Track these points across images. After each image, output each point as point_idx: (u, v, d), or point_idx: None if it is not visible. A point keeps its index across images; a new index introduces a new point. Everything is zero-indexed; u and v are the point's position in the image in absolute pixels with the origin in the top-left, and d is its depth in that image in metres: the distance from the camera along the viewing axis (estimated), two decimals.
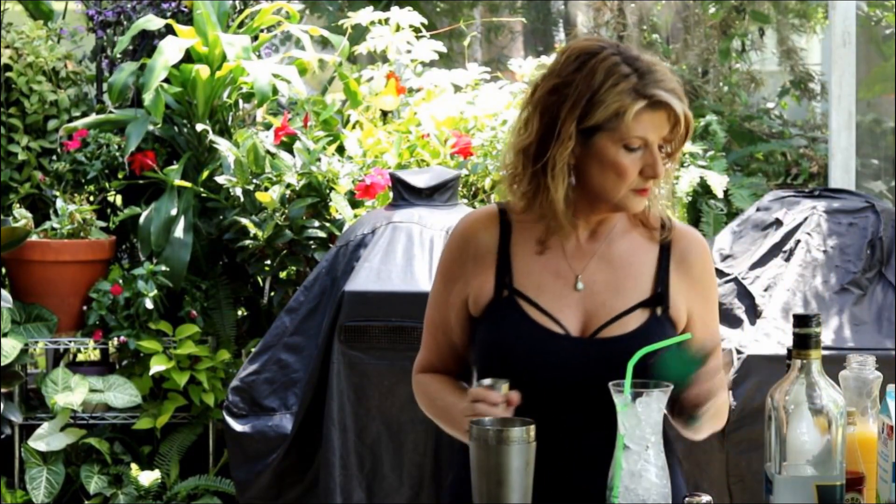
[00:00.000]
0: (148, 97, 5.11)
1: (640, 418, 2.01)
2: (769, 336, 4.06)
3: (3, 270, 5.38)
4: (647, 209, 2.39)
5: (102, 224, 5.27)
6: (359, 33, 5.82)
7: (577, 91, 2.28)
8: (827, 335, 4.02)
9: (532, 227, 2.37)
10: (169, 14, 5.47)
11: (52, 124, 5.45)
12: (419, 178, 4.52)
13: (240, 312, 5.46)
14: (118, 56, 5.57)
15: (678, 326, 2.36)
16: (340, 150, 5.24)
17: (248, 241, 5.01)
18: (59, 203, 5.21)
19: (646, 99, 2.25)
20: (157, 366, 5.03)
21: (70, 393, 5.00)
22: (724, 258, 4.38)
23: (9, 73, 5.40)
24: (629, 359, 2.19)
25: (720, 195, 5.28)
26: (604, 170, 2.29)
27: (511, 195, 2.38)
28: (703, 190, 5.34)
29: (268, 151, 5.10)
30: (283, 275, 5.16)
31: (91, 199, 5.35)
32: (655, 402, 2.02)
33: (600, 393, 2.16)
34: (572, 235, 2.37)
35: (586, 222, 2.38)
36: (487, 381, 2.21)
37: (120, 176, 5.33)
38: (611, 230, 2.39)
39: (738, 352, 3.98)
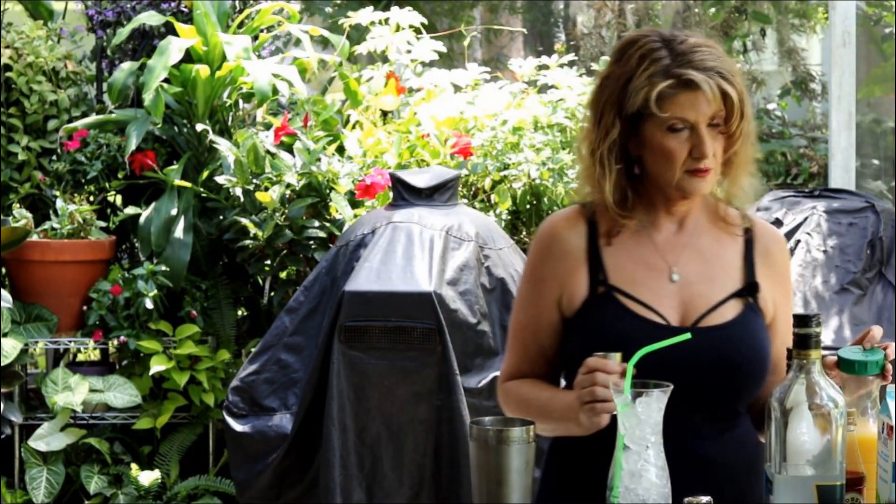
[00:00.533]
0: (148, 97, 5.11)
1: (640, 418, 2.01)
2: None
3: (3, 270, 5.38)
4: (719, 204, 2.41)
5: (102, 224, 5.26)
6: (359, 33, 5.82)
7: (615, 80, 2.33)
8: (827, 335, 4.02)
9: (618, 222, 2.39)
10: (169, 14, 5.47)
11: (52, 124, 5.45)
12: (419, 178, 4.52)
13: (240, 312, 5.46)
14: (115, 51, 5.57)
15: (766, 317, 2.39)
16: (340, 150, 5.24)
17: (248, 241, 5.01)
18: (59, 203, 5.21)
19: (672, 78, 2.27)
20: (157, 366, 5.03)
21: (70, 393, 5.00)
22: None
23: (9, 73, 5.40)
24: (732, 347, 2.28)
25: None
26: (654, 155, 2.33)
27: (579, 193, 2.43)
28: None
29: (268, 151, 5.10)
30: (283, 275, 5.16)
31: (91, 199, 5.34)
32: (655, 402, 2.02)
33: (706, 382, 2.24)
34: (662, 228, 2.39)
35: (671, 214, 2.40)
36: (600, 354, 2.18)
37: (120, 176, 5.33)
38: (696, 223, 2.41)
39: None
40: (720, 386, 2.31)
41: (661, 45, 2.30)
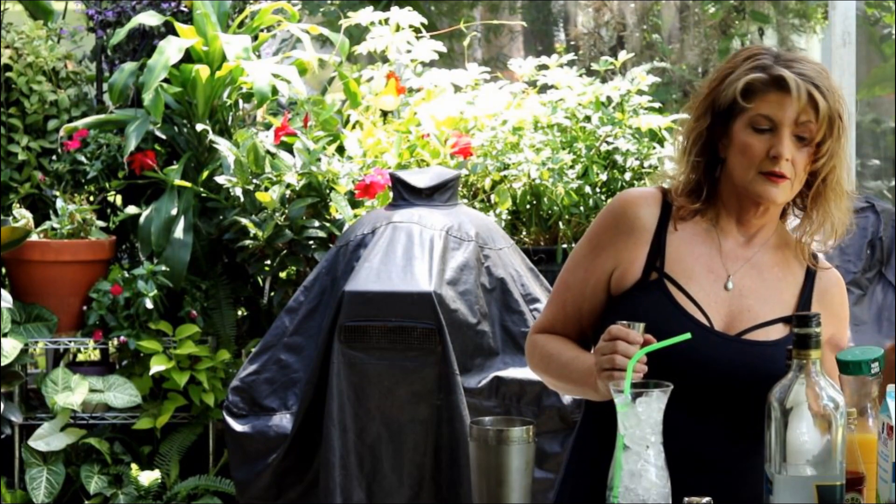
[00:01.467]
0: (148, 97, 5.11)
1: (640, 418, 2.01)
2: None
3: (3, 270, 5.38)
4: (802, 239, 2.41)
5: (102, 224, 5.26)
6: (359, 33, 5.82)
7: (717, 74, 2.38)
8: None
9: (692, 217, 2.40)
10: (169, 14, 5.47)
11: (52, 124, 5.45)
12: (419, 178, 4.52)
13: (240, 312, 5.46)
14: (115, 51, 5.57)
15: None
16: (340, 150, 5.24)
17: (248, 241, 5.01)
18: (59, 203, 5.21)
19: (767, 75, 2.30)
20: (157, 366, 5.03)
21: (70, 393, 5.00)
22: None
23: (9, 73, 5.40)
24: (770, 365, 2.25)
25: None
26: (735, 151, 2.34)
27: (662, 177, 2.47)
28: None
29: (268, 151, 5.09)
30: (283, 275, 5.16)
31: (91, 199, 5.34)
32: (655, 402, 2.02)
33: (737, 393, 2.25)
34: (730, 237, 2.40)
35: (743, 226, 2.40)
36: (624, 323, 2.18)
37: (120, 176, 5.33)
38: (764, 242, 2.42)
39: None
40: (748, 400, 2.29)
41: (769, 54, 2.35)
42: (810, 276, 2.44)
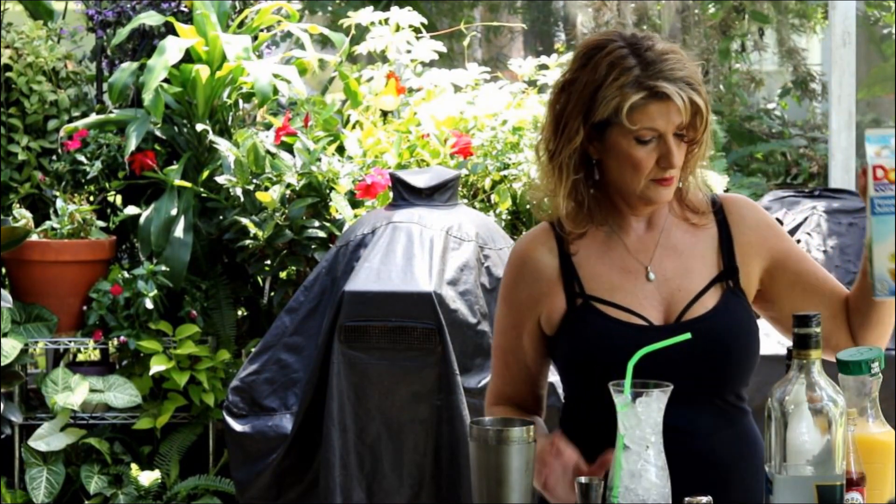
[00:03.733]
0: (148, 97, 5.11)
1: (640, 418, 2.01)
2: (769, 336, 4.05)
3: (3, 270, 5.38)
4: (686, 196, 2.41)
5: (102, 224, 5.27)
6: (359, 33, 5.82)
7: (581, 87, 2.30)
8: None
9: (587, 232, 2.38)
10: (169, 14, 5.48)
11: (52, 124, 5.45)
12: (419, 178, 4.52)
13: (240, 312, 5.46)
14: (115, 51, 5.57)
15: (749, 296, 2.39)
16: (340, 150, 5.24)
17: (248, 241, 5.01)
18: (59, 203, 5.21)
19: (645, 90, 2.26)
20: (157, 366, 5.03)
21: (70, 393, 5.00)
22: None
23: (9, 73, 5.40)
24: (717, 336, 2.28)
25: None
26: (620, 164, 2.31)
27: (535, 199, 2.43)
28: None
29: (268, 151, 5.10)
30: (283, 275, 5.16)
31: (91, 199, 5.34)
32: (655, 402, 2.02)
33: (698, 374, 2.26)
34: (630, 230, 2.39)
35: (638, 216, 2.39)
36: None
37: (120, 176, 5.33)
38: (664, 219, 2.41)
39: None
40: (712, 376, 2.31)
41: (628, 52, 2.28)
42: (722, 222, 2.42)
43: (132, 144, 5.18)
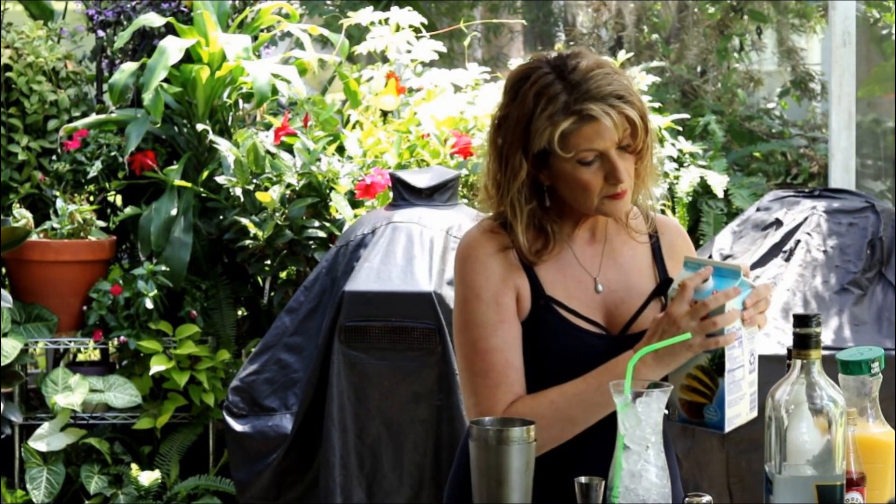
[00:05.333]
0: (148, 97, 5.11)
1: (640, 418, 2.01)
2: (769, 336, 4.06)
3: (3, 270, 5.38)
4: (629, 216, 2.42)
5: (102, 224, 5.27)
6: (359, 33, 5.82)
7: (514, 122, 2.30)
8: (827, 335, 4.02)
9: (546, 248, 2.38)
10: (168, 14, 5.48)
11: (52, 124, 5.45)
12: (419, 178, 4.52)
13: (240, 312, 5.47)
14: (117, 53, 5.57)
15: None
16: (340, 150, 5.25)
17: (248, 241, 5.01)
18: (59, 203, 5.21)
19: (574, 115, 2.25)
20: (157, 366, 5.03)
21: (70, 393, 5.00)
22: (725, 258, 4.38)
23: (9, 73, 5.40)
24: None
25: (720, 195, 5.29)
26: (570, 188, 2.32)
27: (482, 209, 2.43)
28: (703, 190, 5.34)
29: (268, 151, 5.10)
30: (283, 275, 5.16)
31: (91, 199, 5.35)
32: (655, 402, 2.02)
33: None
34: (577, 240, 2.40)
35: (581, 227, 2.40)
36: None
37: (120, 176, 5.33)
38: (605, 229, 2.43)
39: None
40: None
41: (553, 77, 2.27)
42: (655, 240, 2.45)
43: (132, 144, 5.19)
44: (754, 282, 2.23)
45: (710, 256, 4.39)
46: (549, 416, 2.27)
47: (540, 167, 2.32)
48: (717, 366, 2.16)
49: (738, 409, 2.20)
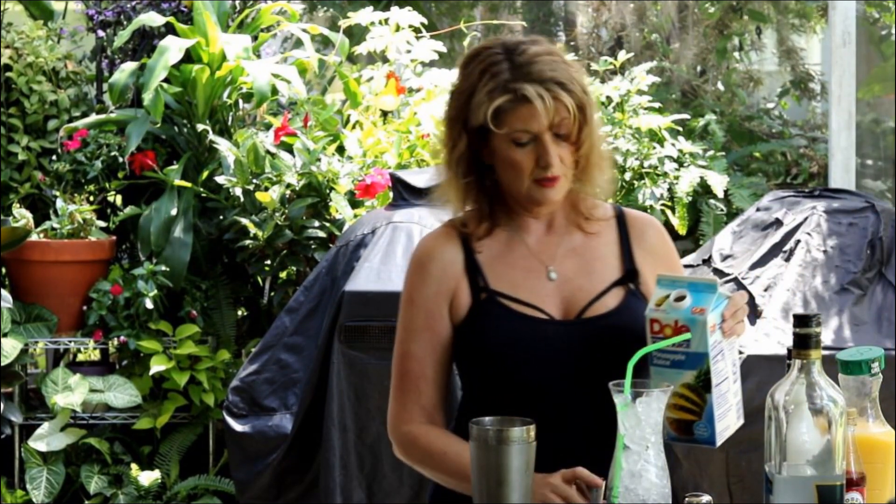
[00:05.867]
0: (148, 97, 5.11)
1: (640, 418, 2.01)
2: (769, 336, 4.06)
3: (3, 270, 5.38)
4: (580, 204, 2.42)
5: (102, 224, 5.27)
6: (359, 33, 5.82)
7: (459, 94, 2.36)
8: (827, 335, 4.02)
9: (489, 233, 2.41)
10: (168, 14, 5.48)
11: (52, 124, 5.45)
12: (419, 178, 4.52)
13: (240, 312, 5.46)
14: (117, 53, 5.57)
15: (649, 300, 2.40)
16: (340, 150, 5.25)
17: (248, 241, 5.01)
18: (59, 203, 5.21)
19: (509, 94, 2.29)
20: (157, 366, 5.03)
21: (70, 393, 5.00)
22: (724, 258, 4.38)
23: (9, 73, 5.40)
24: (616, 335, 2.29)
25: (720, 195, 5.28)
26: (503, 166, 2.35)
27: (440, 200, 2.45)
28: (703, 190, 5.34)
29: (268, 151, 5.10)
30: (283, 275, 5.16)
31: (91, 199, 5.35)
32: (655, 402, 2.02)
33: (597, 372, 2.23)
34: (531, 231, 2.42)
35: (536, 218, 2.42)
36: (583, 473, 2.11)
37: (120, 176, 5.33)
38: (564, 221, 2.44)
39: (739, 352, 3.97)
40: (612, 372, 2.28)
41: (502, 58, 2.32)
42: (623, 231, 2.45)
43: (132, 144, 5.19)
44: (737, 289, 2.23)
45: (710, 257, 4.39)
46: (429, 460, 2.36)
47: (481, 145, 2.35)
48: (703, 382, 2.15)
49: (727, 421, 2.20)
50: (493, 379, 2.34)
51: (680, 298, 2.16)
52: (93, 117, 5.43)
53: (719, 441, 2.19)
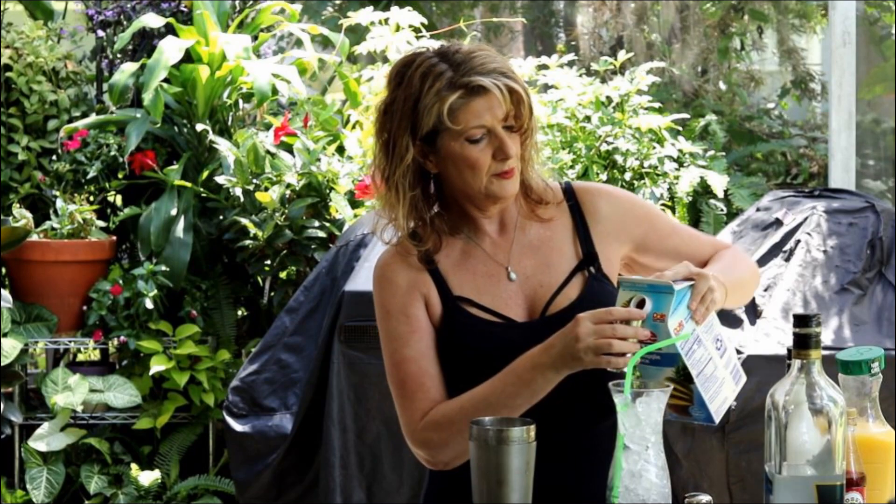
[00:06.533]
0: (148, 97, 5.11)
1: (640, 418, 2.01)
2: (769, 336, 4.06)
3: (3, 270, 5.38)
4: (531, 190, 2.41)
5: (102, 224, 5.27)
6: (359, 33, 5.82)
7: (401, 104, 2.32)
8: (827, 335, 4.02)
9: (443, 244, 2.39)
10: (168, 14, 5.48)
11: (52, 124, 5.45)
12: None
13: (240, 312, 5.46)
14: (117, 53, 5.57)
15: (613, 279, 2.39)
16: (340, 150, 5.25)
17: (248, 241, 5.01)
18: (59, 203, 5.21)
19: (461, 88, 2.28)
20: (157, 366, 5.03)
21: (70, 393, 5.00)
22: None
23: (9, 73, 5.40)
24: None
25: (720, 195, 5.28)
26: (458, 168, 2.32)
27: (378, 227, 2.41)
28: (703, 190, 5.34)
29: (268, 151, 5.10)
30: (283, 275, 5.16)
31: (91, 199, 5.35)
32: (655, 402, 2.02)
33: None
34: (485, 234, 2.40)
35: (488, 219, 2.40)
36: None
37: (120, 176, 5.33)
38: (515, 217, 2.42)
39: (738, 352, 3.98)
40: (586, 370, 2.25)
41: (438, 60, 2.31)
42: (575, 210, 2.43)
43: (132, 144, 5.19)
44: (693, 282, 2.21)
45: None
46: (459, 421, 2.26)
47: (427, 152, 2.33)
48: (684, 376, 2.16)
49: (721, 397, 2.21)
50: (471, 385, 2.31)
51: (641, 304, 2.16)
52: (93, 117, 5.43)
53: (718, 418, 2.20)
